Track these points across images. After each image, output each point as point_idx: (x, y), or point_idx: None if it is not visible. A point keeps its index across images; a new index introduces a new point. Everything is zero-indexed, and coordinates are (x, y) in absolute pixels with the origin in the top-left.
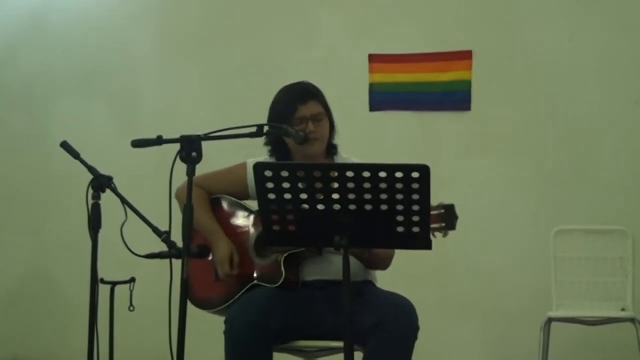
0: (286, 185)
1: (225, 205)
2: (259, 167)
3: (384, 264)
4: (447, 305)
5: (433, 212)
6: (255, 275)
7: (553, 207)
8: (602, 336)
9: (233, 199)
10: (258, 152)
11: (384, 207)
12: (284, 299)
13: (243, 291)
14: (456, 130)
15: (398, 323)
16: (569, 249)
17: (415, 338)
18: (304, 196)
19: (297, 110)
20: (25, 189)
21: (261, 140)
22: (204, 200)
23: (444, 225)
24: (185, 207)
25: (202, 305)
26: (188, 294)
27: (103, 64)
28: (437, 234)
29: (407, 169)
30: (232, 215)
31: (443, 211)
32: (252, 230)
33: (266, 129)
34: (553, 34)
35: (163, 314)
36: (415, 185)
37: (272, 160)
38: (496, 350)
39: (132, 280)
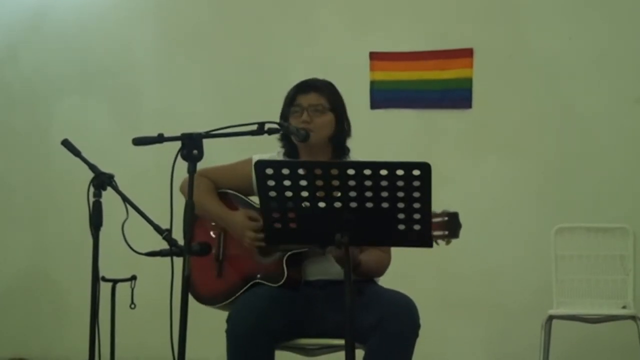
0: (287, 182)
1: (229, 200)
2: (259, 165)
3: (378, 274)
4: (448, 303)
5: (436, 220)
6: (257, 273)
7: (554, 205)
8: (602, 334)
9: (237, 194)
10: (258, 150)
11: (385, 205)
12: (286, 298)
13: (245, 289)
14: (457, 128)
15: (399, 321)
16: (569, 247)
17: (416, 336)
18: (304, 194)
19: (296, 99)
20: (26, 187)
21: (262, 138)
22: (210, 188)
23: (446, 233)
24: (186, 205)
25: (204, 300)
26: (190, 289)
27: (103, 63)
28: (440, 241)
29: (408, 166)
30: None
31: (446, 219)
32: None
33: (267, 126)
34: (553, 32)
35: (164, 312)
36: (416, 183)
37: (282, 152)
38: (497, 348)
39: (133, 277)
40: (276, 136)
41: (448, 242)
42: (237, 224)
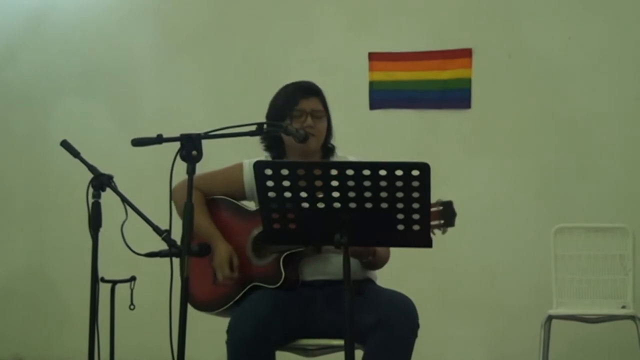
0: (286, 183)
1: (221, 206)
2: (258, 166)
3: (381, 265)
4: (447, 303)
5: (432, 209)
6: (254, 276)
7: (553, 205)
8: (602, 334)
9: (230, 199)
10: (258, 150)
11: (384, 205)
12: (284, 301)
13: (242, 292)
14: (456, 128)
15: (398, 321)
16: (569, 247)
17: (415, 336)
18: (304, 194)
19: (298, 102)
20: (25, 188)
21: (260, 139)
22: (200, 202)
23: (442, 222)
24: (186, 205)
25: (202, 307)
26: (187, 296)
27: (102, 63)
28: (436, 230)
29: (407, 166)
30: (229, 216)
31: (441, 208)
32: (250, 230)
33: (266, 127)
34: (552, 32)
35: (163, 313)
36: (415, 183)
37: (268, 155)
38: (496, 348)
39: (133, 278)
40: (258, 138)
41: (444, 232)
42: (221, 256)
